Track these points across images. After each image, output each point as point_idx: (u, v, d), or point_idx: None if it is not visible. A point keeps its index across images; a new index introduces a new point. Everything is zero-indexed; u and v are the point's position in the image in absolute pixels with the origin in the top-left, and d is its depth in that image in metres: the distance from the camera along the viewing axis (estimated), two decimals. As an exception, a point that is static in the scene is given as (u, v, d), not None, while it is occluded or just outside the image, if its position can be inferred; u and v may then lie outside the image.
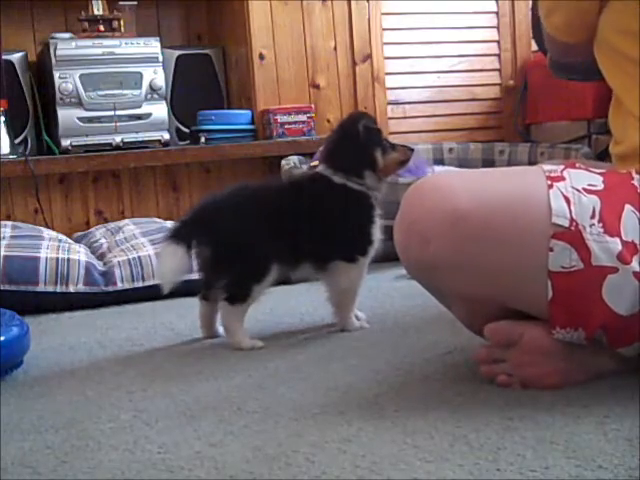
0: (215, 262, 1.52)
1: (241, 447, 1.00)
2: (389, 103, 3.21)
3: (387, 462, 0.91)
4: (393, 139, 3.25)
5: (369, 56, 3.14)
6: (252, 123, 3.04)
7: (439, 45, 3.26)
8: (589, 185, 1.09)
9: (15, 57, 2.86)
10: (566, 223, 1.05)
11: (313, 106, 3.06)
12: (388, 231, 2.39)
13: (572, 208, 1.06)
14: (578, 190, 1.08)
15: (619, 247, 1.05)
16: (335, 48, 3.12)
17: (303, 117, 3.02)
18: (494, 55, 3.35)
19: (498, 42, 3.34)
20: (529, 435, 0.96)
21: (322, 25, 3.09)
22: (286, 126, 3.00)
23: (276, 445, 0.99)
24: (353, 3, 3.11)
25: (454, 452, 0.93)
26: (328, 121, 3.11)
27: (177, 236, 1.48)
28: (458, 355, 1.34)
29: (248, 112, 3.04)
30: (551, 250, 1.05)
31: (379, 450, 0.95)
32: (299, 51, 3.07)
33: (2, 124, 2.73)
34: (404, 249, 1.15)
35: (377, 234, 1.58)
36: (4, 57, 2.79)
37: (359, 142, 1.56)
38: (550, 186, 1.08)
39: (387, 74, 3.19)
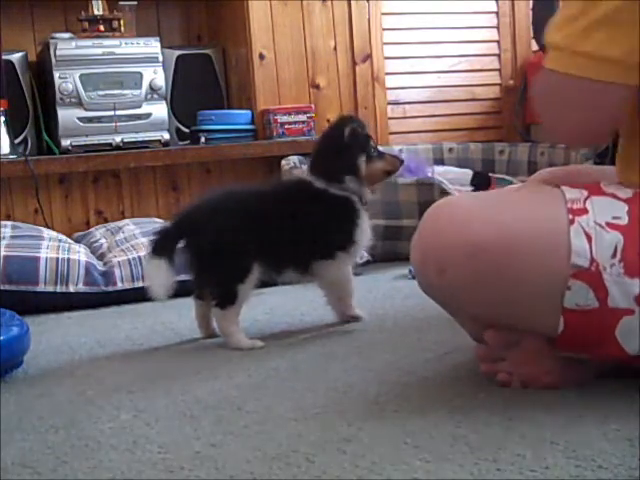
0: (197, 265, 1.53)
1: (241, 447, 1.00)
2: (389, 103, 3.21)
3: (387, 462, 0.91)
4: (393, 139, 3.24)
5: (369, 56, 3.14)
6: (252, 123, 3.04)
7: (439, 45, 3.26)
8: (613, 218, 1.04)
9: (15, 57, 2.86)
10: (586, 263, 1.02)
11: (313, 106, 3.05)
12: (388, 231, 2.41)
13: (593, 247, 1.02)
14: (601, 225, 1.03)
15: (638, 289, 1.01)
16: (335, 48, 3.12)
17: (303, 117, 3.02)
18: (494, 55, 3.34)
19: (498, 42, 3.34)
20: (529, 435, 0.96)
21: (322, 25, 3.09)
22: (286, 126, 3.00)
23: (276, 445, 0.99)
24: (353, 3, 3.11)
25: (454, 452, 0.93)
26: (328, 121, 3.10)
27: (158, 249, 1.49)
28: (458, 355, 1.34)
29: (248, 112, 3.04)
30: (568, 289, 1.02)
31: (379, 450, 0.95)
32: (299, 51, 3.07)
33: (2, 124, 2.72)
34: (420, 274, 1.15)
35: (362, 236, 1.57)
36: (4, 57, 2.78)
37: (343, 146, 1.54)
38: (571, 221, 1.04)
39: (387, 74, 3.19)
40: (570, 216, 1.04)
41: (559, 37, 1.04)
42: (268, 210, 1.53)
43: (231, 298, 1.50)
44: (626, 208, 1.05)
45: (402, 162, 1.61)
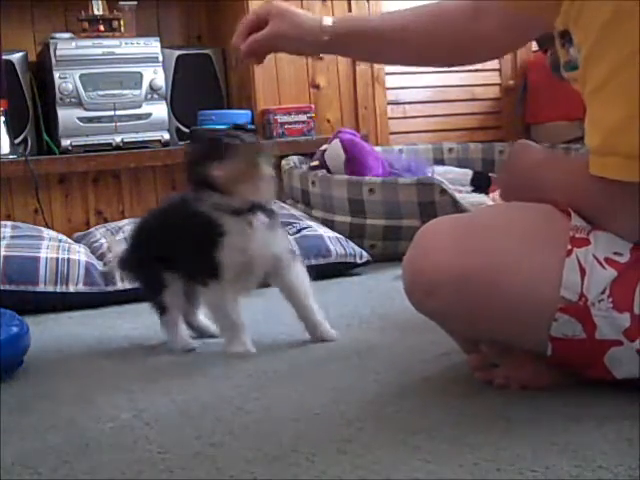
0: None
1: (241, 447, 0.99)
2: (389, 103, 3.21)
3: (387, 462, 0.91)
4: (393, 139, 3.22)
5: (369, 56, 3.14)
6: (252, 123, 3.04)
7: (439, 45, 3.26)
8: (614, 254, 1.01)
9: (15, 57, 2.86)
10: (575, 298, 1.01)
11: (313, 106, 3.06)
12: (388, 231, 2.40)
13: (585, 281, 1.00)
14: (598, 260, 1.01)
15: (627, 323, 1.00)
16: (335, 48, 3.11)
17: (303, 117, 3.02)
18: (494, 55, 3.34)
19: (498, 42, 3.33)
20: (529, 435, 0.96)
21: (322, 25, 3.08)
22: (286, 126, 3.00)
23: (276, 445, 0.99)
24: (353, 3, 3.11)
25: (454, 452, 0.93)
26: (328, 121, 3.11)
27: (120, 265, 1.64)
28: (457, 356, 1.34)
29: (248, 112, 3.04)
30: (555, 320, 1.02)
31: (379, 450, 0.95)
32: (299, 51, 3.06)
33: (2, 124, 2.73)
34: (409, 293, 1.13)
35: (229, 256, 1.41)
36: (4, 57, 2.78)
37: (188, 161, 1.46)
38: (569, 252, 1.02)
39: (387, 74, 3.19)
40: (569, 246, 1.02)
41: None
42: (162, 225, 1.55)
43: (162, 308, 1.53)
44: (630, 246, 1.02)
45: (260, 148, 1.49)
